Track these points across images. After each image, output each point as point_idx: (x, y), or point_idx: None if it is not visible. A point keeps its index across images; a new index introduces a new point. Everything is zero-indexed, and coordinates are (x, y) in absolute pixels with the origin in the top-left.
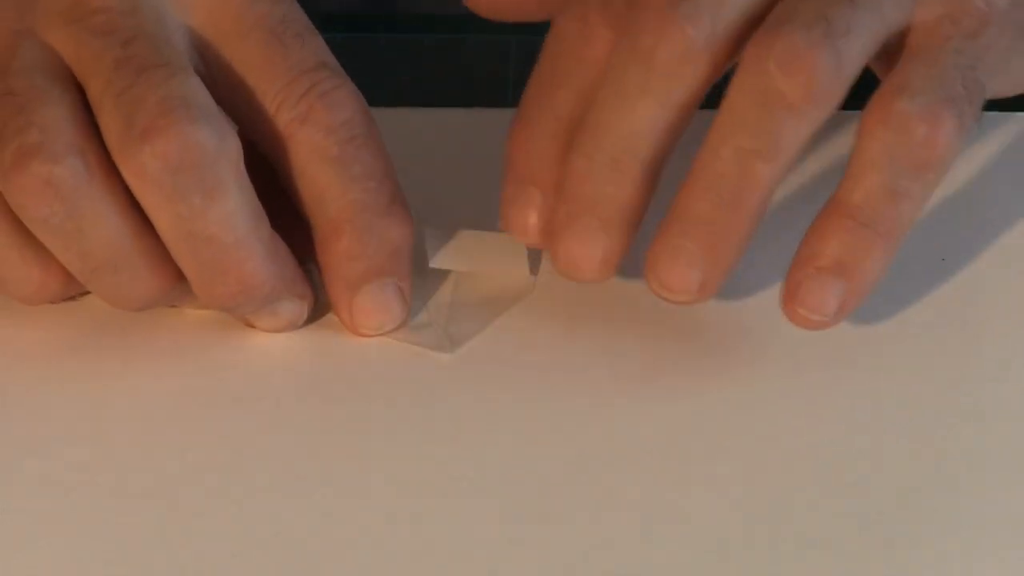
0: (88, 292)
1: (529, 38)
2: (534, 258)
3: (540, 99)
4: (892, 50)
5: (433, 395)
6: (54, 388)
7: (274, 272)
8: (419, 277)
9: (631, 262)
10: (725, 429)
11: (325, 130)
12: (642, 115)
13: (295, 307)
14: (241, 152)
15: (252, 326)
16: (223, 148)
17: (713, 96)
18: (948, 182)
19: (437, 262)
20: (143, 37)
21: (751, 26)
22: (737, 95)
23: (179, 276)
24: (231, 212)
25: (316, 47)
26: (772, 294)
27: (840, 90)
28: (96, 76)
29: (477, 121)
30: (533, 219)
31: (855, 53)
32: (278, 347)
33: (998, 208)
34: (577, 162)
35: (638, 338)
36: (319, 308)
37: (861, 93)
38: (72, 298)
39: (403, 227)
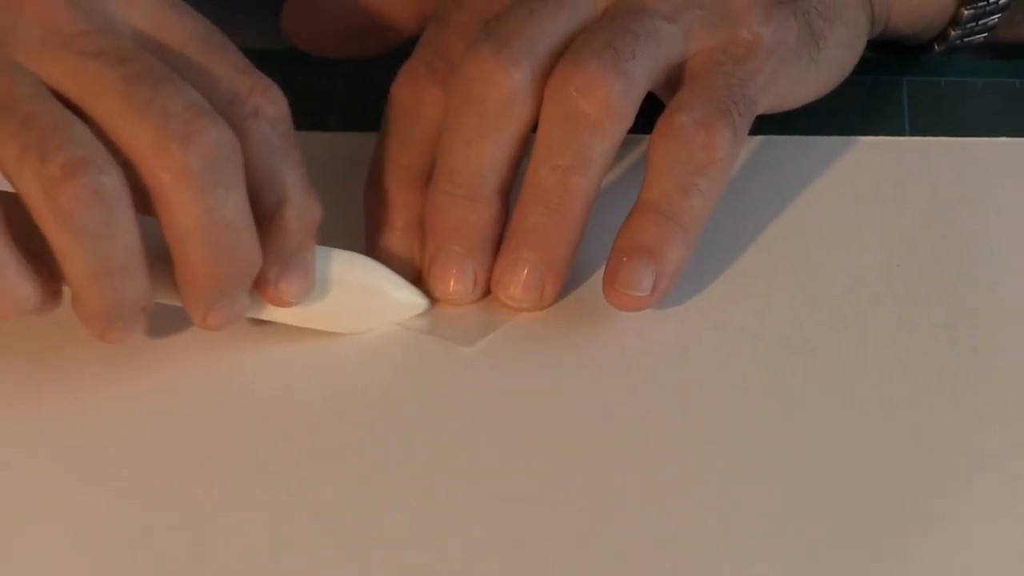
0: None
1: None
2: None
3: (389, 157)
4: (674, 81)
5: (455, 387)
6: (56, 390)
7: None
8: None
9: None
10: (728, 429)
11: (270, 123)
12: (485, 154)
13: (246, 299)
14: None
15: (205, 325)
16: (235, 143)
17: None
18: (950, 193)
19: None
20: (133, 54)
21: (556, 60)
22: (548, 122)
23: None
24: (244, 199)
25: (238, 52)
26: (772, 296)
27: (632, 105)
28: (106, 94)
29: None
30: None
31: (640, 75)
32: (295, 340)
33: (1003, 212)
34: (438, 198)
35: (649, 337)
36: None
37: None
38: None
39: (320, 207)
